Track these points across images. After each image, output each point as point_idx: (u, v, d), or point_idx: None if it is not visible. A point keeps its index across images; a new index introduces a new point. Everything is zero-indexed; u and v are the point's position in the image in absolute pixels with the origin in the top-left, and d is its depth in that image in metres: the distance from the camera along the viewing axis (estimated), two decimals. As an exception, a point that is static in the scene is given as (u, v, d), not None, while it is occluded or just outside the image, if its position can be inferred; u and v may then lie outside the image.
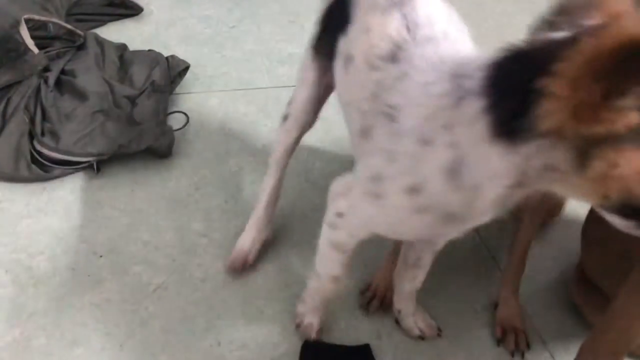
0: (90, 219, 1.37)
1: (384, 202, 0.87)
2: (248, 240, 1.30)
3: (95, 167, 1.46)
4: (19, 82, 1.51)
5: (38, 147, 1.43)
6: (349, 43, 1.03)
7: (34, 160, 1.43)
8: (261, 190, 1.31)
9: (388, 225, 0.93)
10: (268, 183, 1.29)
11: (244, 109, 1.75)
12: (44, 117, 1.49)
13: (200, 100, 1.74)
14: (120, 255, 1.31)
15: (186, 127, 1.63)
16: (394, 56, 0.89)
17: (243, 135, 1.66)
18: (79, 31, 1.72)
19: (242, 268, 1.29)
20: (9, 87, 1.50)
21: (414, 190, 0.82)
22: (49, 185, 1.43)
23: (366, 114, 0.92)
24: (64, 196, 1.42)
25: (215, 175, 1.53)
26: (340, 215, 0.98)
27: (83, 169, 1.47)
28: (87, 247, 1.32)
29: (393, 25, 0.92)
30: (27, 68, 1.52)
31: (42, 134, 1.45)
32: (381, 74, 0.90)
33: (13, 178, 1.42)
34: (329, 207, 1.00)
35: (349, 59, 1.00)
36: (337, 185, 1.00)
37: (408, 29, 0.91)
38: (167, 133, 1.54)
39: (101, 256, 1.30)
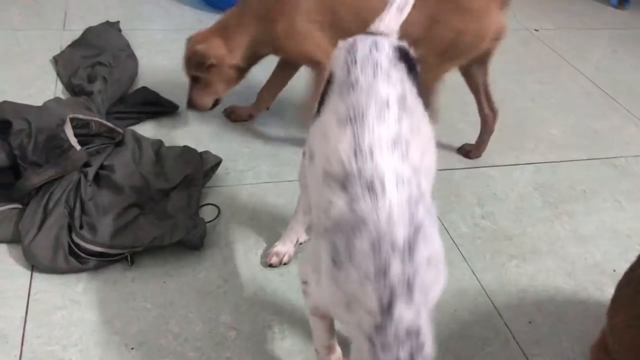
0: (123, 311, 1.40)
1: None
2: (284, 246, 1.58)
3: (129, 259, 1.50)
4: (61, 177, 1.59)
5: (76, 239, 1.48)
6: (312, 136, 1.14)
7: (71, 252, 1.47)
8: (297, 205, 1.56)
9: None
10: (301, 200, 1.54)
11: (273, 201, 1.80)
12: (83, 210, 1.55)
13: (231, 193, 1.80)
14: (151, 348, 1.32)
15: (217, 219, 1.68)
16: (344, 184, 0.95)
17: (272, 226, 1.70)
18: (118, 129, 1.82)
19: (278, 265, 1.57)
20: (51, 181, 1.57)
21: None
22: (83, 276, 1.47)
23: (319, 219, 1.00)
24: (98, 288, 1.45)
25: (244, 267, 1.56)
26: (305, 283, 1.10)
27: (117, 261, 1.51)
28: (119, 339, 1.33)
29: (344, 146, 0.98)
30: (69, 164, 1.60)
31: (81, 226, 1.51)
32: (333, 197, 0.96)
33: (50, 269, 1.46)
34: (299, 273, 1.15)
35: (311, 155, 1.10)
36: (304, 253, 1.10)
37: (355, 155, 0.96)
38: (199, 225, 1.59)
39: (132, 348, 1.31)
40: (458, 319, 1.49)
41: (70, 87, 2.10)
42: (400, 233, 0.88)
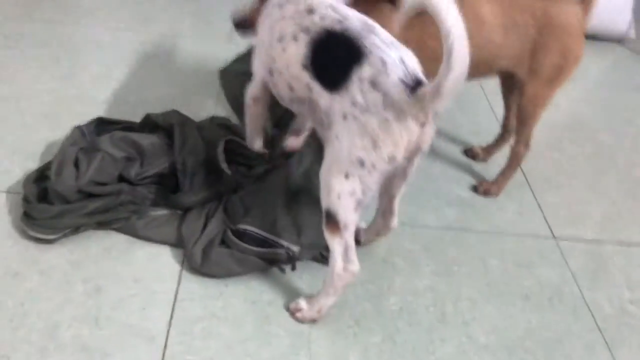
0: (257, 333, 1.44)
1: None
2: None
3: (290, 259, 1.57)
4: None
5: (241, 226, 1.58)
6: None
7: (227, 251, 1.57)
8: None
9: None
10: None
11: (409, 245, 1.78)
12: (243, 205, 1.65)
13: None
14: (279, 376, 1.36)
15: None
16: None
17: (406, 272, 1.68)
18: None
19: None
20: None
21: None
22: (225, 292, 1.53)
23: None
24: (236, 304, 1.51)
25: (376, 310, 1.56)
26: None
27: (272, 262, 1.58)
28: (251, 361, 1.38)
29: None
30: (222, 188, 1.69)
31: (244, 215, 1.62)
32: None
33: (206, 272, 1.54)
34: None
35: None
36: None
37: None
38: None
39: (263, 374, 1.35)
40: (594, 413, 1.40)
41: (234, 102, 2.21)
42: None
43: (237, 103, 2.18)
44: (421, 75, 1.24)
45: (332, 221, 1.36)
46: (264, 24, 1.50)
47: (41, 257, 1.53)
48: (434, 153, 2.20)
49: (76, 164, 1.67)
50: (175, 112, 1.91)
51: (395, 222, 1.60)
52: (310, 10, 1.36)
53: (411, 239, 1.81)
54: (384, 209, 1.59)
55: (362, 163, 1.26)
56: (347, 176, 1.29)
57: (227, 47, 2.61)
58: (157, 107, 2.02)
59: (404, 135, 1.23)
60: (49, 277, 1.49)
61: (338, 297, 1.46)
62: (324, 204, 1.36)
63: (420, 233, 1.84)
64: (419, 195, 1.99)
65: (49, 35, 2.52)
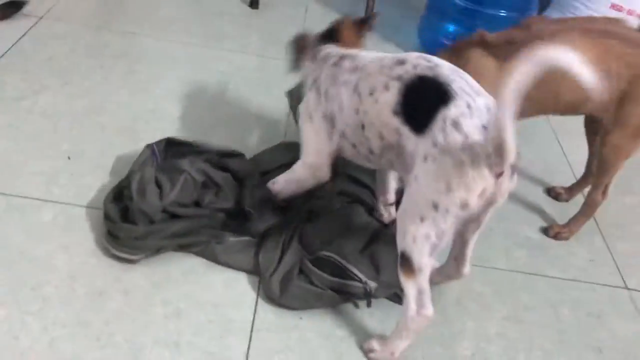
0: (331, 370, 1.45)
1: None
2: None
3: (368, 293, 1.58)
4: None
5: (325, 252, 1.61)
6: None
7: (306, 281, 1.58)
8: None
9: None
10: None
11: (480, 288, 1.77)
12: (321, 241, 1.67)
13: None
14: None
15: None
16: None
17: (478, 316, 1.67)
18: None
19: None
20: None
21: None
22: (300, 323, 1.55)
23: None
24: (310, 339, 1.52)
25: (447, 354, 1.55)
26: None
27: (348, 296, 1.59)
28: (326, 399, 1.39)
29: None
30: (289, 214, 1.73)
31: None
32: None
33: (284, 304, 1.56)
34: None
35: None
36: None
37: None
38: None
39: (338, 413, 1.36)
40: None
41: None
42: None
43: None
44: None
45: (407, 264, 1.35)
46: (336, 88, 1.52)
47: (124, 277, 1.57)
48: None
49: (157, 184, 1.70)
50: (245, 161, 1.91)
51: (467, 269, 1.58)
52: (401, 62, 1.39)
53: (482, 281, 1.79)
54: (456, 254, 1.57)
55: (435, 206, 1.26)
56: (422, 219, 1.29)
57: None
58: (230, 127, 2.07)
59: (478, 182, 1.22)
60: (132, 297, 1.53)
61: (411, 340, 1.46)
62: (399, 246, 1.36)
63: (491, 275, 1.83)
64: (488, 235, 1.96)
65: (126, 46, 2.59)
